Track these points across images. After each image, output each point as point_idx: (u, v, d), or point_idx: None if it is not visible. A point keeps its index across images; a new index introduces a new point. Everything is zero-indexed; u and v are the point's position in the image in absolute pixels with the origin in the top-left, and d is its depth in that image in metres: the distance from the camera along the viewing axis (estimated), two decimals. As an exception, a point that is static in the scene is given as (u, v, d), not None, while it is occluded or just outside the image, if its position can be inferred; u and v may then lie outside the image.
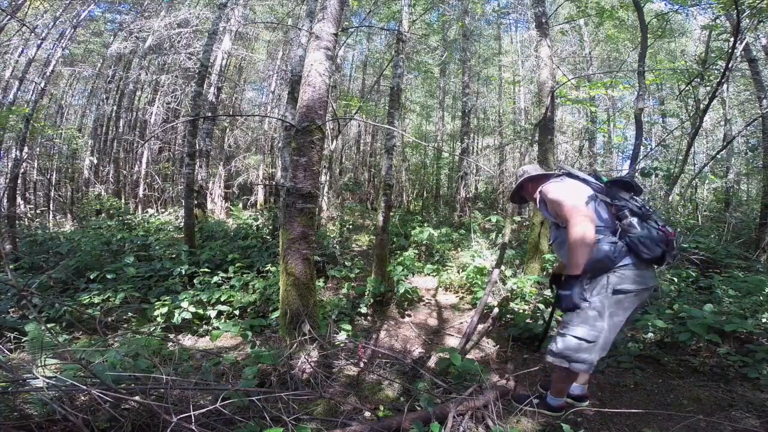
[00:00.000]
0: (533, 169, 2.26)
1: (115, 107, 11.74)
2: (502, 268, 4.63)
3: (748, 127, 7.51)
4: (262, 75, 15.52)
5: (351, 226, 8.17)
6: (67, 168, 12.46)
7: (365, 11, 9.34)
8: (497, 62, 14.19)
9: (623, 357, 2.85)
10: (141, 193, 11.24)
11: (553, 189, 1.99)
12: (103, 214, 8.74)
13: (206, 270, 4.41)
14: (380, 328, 3.64)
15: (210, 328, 3.57)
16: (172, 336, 3.37)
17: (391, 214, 5.25)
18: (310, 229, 2.69)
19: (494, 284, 3.84)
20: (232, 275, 4.29)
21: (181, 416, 1.47)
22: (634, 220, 1.84)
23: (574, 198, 1.89)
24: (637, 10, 4.09)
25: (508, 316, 3.69)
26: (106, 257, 4.95)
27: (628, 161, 6.13)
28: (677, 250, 1.98)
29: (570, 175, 2.09)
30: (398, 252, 5.81)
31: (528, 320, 3.35)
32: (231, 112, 13.05)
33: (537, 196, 2.11)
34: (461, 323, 3.80)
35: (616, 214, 1.92)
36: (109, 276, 4.12)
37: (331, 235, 6.49)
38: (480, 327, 3.61)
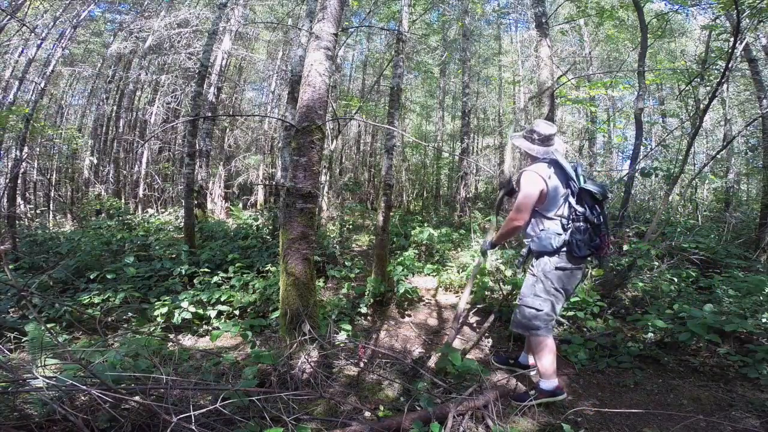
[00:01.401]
0: (540, 140, 2.34)
1: (115, 107, 11.73)
2: (502, 268, 4.63)
3: (748, 127, 7.51)
4: (262, 75, 15.52)
5: (351, 226, 8.16)
6: (67, 168, 12.46)
7: (365, 11, 9.34)
8: (497, 62, 14.19)
9: (623, 357, 2.85)
10: (141, 193, 11.24)
11: (526, 179, 2.25)
12: (103, 214, 8.73)
13: (206, 270, 4.40)
14: (380, 328, 3.64)
15: (210, 328, 3.56)
16: (172, 336, 3.37)
17: (391, 214, 5.25)
18: (310, 229, 2.69)
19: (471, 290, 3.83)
20: (232, 275, 4.28)
21: (181, 416, 1.47)
22: (581, 226, 2.21)
23: (529, 199, 2.22)
24: (637, 10, 4.09)
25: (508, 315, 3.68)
26: (106, 257, 4.95)
27: (628, 161, 6.14)
28: (607, 257, 2.51)
29: (557, 164, 2.29)
30: (398, 252, 5.81)
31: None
32: (231, 112, 13.04)
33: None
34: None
35: (572, 215, 2.25)
36: (109, 276, 4.11)
37: (331, 235, 6.48)
38: (482, 327, 3.61)
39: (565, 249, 2.21)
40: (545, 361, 2.24)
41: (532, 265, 2.34)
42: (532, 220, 2.31)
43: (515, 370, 2.67)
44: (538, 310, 2.25)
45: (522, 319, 2.32)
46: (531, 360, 2.65)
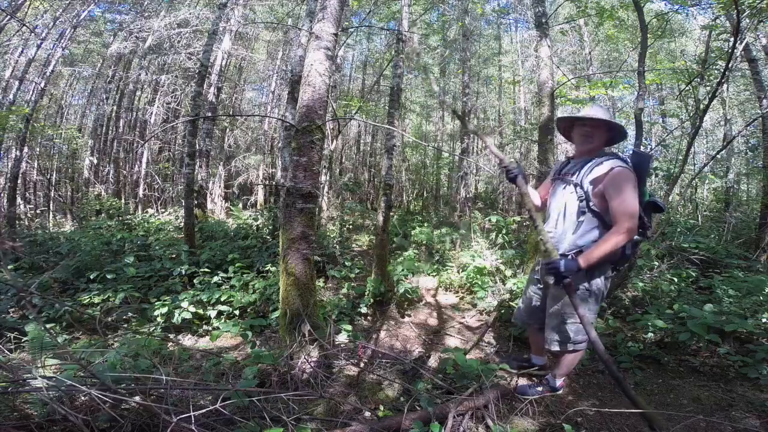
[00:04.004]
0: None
1: (115, 107, 11.73)
2: (502, 268, 4.63)
3: (748, 127, 7.51)
4: (262, 75, 15.52)
5: (351, 226, 8.17)
6: (67, 168, 12.46)
7: (365, 11, 9.33)
8: (497, 62, 14.19)
9: (623, 357, 2.85)
10: (141, 193, 11.24)
11: (626, 177, 1.88)
12: (103, 214, 8.72)
13: (206, 270, 4.40)
14: (380, 328, 3.64)
15: (210, 328, 3.56)
16: (172, 336, 3.37)
17: (391, 214, 5.25)
18: (310, 229, 2.69)
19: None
20: (232, 275, 4.28)
21: (181, 416, 1.47)
22: (639, 239, 2.06)
23: (636, 205, 1.86)
24: (637, 10, 4.08)
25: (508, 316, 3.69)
26: (106, 257, 4.95)
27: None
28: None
29: (642, 166, 1.95)
30: (398, 252, 5.81)
31: (528, 320, 3.35)
32: (231, 112, 13.04)
33: (603, 164, 1.94)
34: (461, 323, 3.80)
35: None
36: (109, 276, 4.11)
37: (331, 235, 6.48)
38: (480, 327, 3.61)
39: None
40: (571, 365, 2.30)
41: (581, 280, 2.04)
42: (595, 229, 2.00)
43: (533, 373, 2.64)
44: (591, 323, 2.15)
45: (576, 337, 2.11)
46: (542, 360, 2.64)
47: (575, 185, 2.03)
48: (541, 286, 2.35)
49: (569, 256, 1.97)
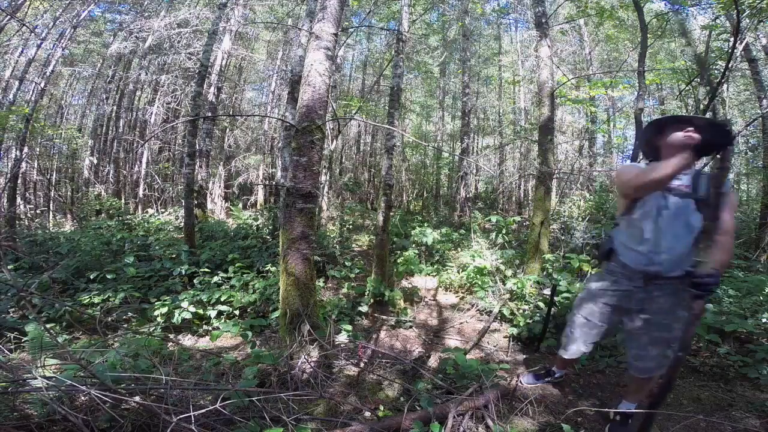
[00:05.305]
0: None
1: (115, 107, 11.73)
2: (502, 268, 4.63)
3: (748, 127, 7.51)
4: (262, 75, 15.53)
5: (351, 226, 8.17)
6: (67, 168, 12.46)
7: (365, 11, 9.33)
8: (497, 62, 14.19)
9: (623, 357, 2.85)
10: (141, 193, 11.24)
11: None
12: (103, 214, 8.73)
13: (206, 270, 4.40)
14: (380, 328, 3.64)
15: (210, 328, 3.56)
16: (172, 336, 3.37)
17: (391, 214, 5.25)
18: (310, 229, 2.69)
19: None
20: (232, 275, 4.28)
21: (181, 416, 1.47)
22: None
23: None
24: (637, 10, 4.09)
25: (508, 316, 3.69)
26: (106, 257, 4.95)
27: (628, 161, 6.13)
28: None
29: None
30: (398, 252, 5.81)
31: (528, 320, 3.35)
32: (231, 112, 13.04)
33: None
34: (461, 323, 3.80)
35: None
36: (109, 276, 4.11)
37: (331, 235, 6.48)
38: (480, 327, 3.61)
39: None
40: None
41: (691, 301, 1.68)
42: None
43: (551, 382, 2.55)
44: None
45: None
46: (563, 372, 2.54)
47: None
48: (613, 306, 2.01)
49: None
